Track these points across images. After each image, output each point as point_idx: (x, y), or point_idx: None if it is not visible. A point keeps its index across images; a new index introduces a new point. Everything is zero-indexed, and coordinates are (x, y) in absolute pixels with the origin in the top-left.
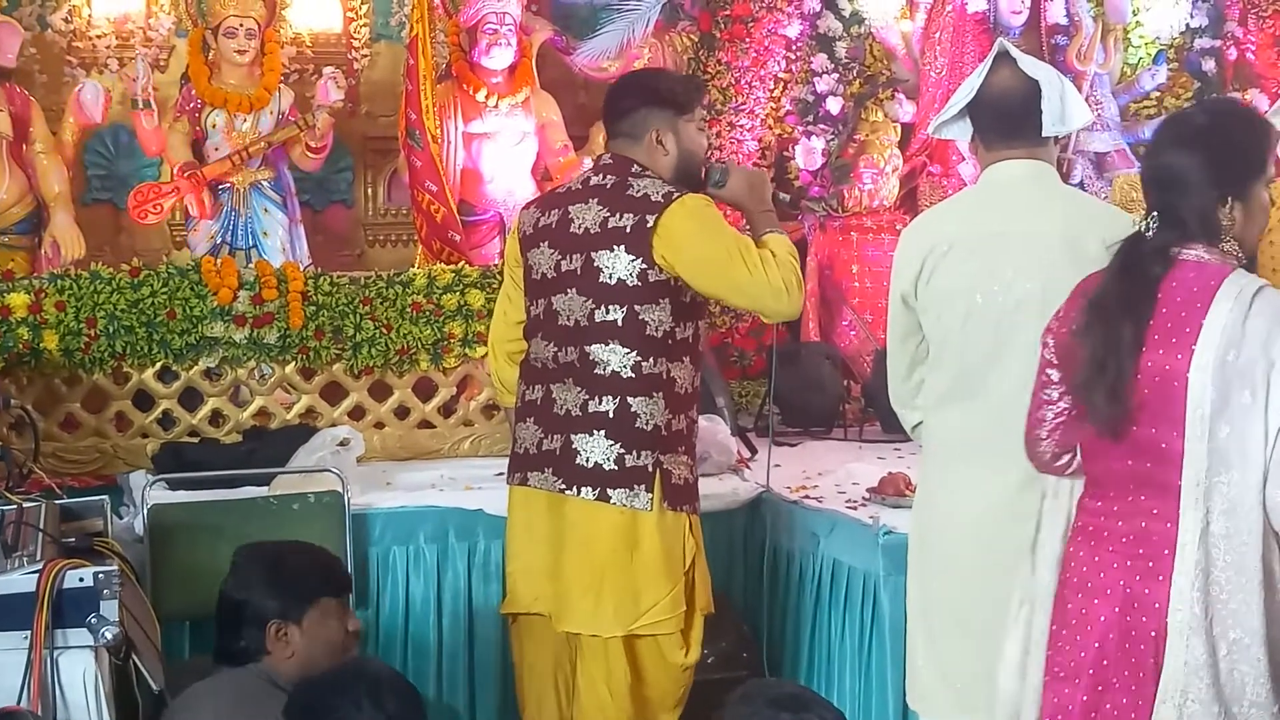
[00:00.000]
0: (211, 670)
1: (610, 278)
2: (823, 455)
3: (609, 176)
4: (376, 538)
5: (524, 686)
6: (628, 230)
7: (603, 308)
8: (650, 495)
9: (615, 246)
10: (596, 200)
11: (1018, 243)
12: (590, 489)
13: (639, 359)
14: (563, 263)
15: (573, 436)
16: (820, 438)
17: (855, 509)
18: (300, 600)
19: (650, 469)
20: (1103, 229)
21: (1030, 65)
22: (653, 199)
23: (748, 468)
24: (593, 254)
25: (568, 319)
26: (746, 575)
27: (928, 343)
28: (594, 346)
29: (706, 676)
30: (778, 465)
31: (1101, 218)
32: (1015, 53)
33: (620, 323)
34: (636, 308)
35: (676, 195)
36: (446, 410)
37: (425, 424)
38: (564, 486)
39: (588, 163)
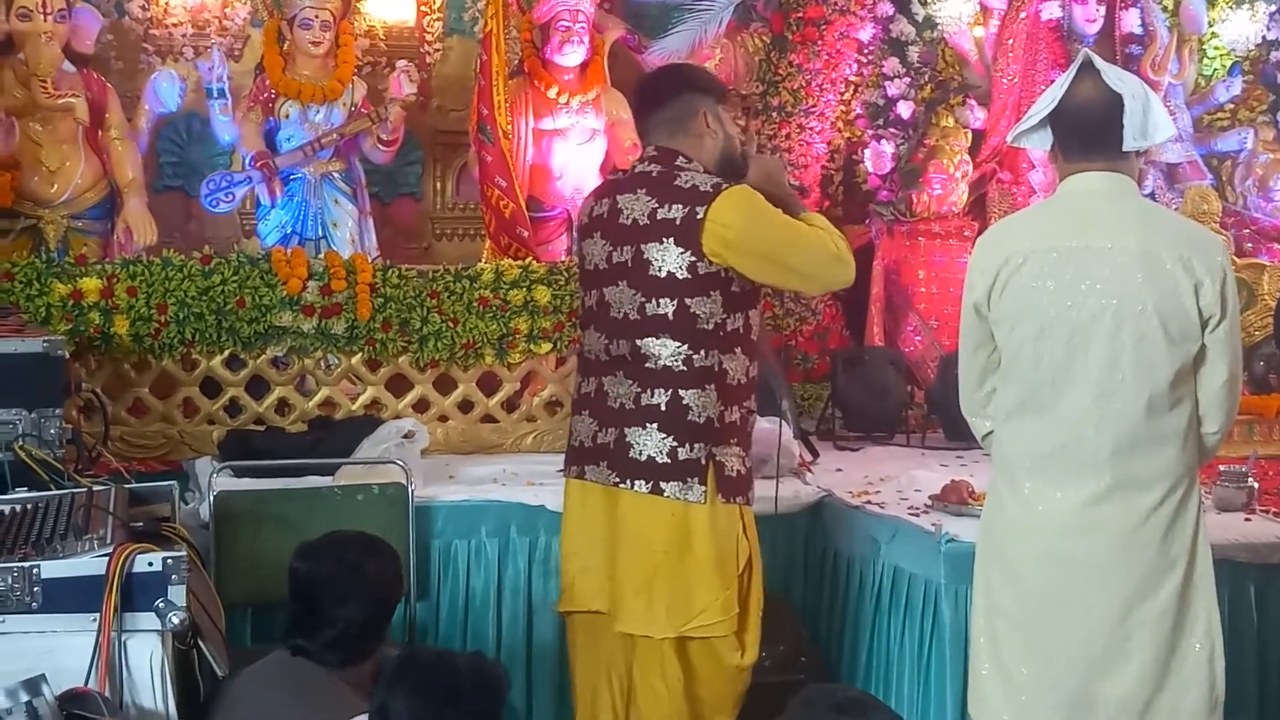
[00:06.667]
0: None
1: (660, 270)
2: (884, 461)
3: (655, 166)
4: (439, 530)
5: (578, 683)
6: (677, 222)
7: (653, 301)
8: (704, 488)
9: (665, 239)
10: (644, 190)
11: (1093, 258)
12: (644, 482)
13: (690, 351)
14: (614, 254)
15: (626, 430)
16: (882, 443)
17: (917, 516)
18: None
19: (703, 461)
20: (1180, 245)
21: (1115, 77)
22: (701, 189)
23: (810, 471)
24: (642, 246)
25: (618, 312)
26: (806, 580)
27: (999, 353)
28: (645, 340)
29: (764, 679)
30: (839, 470)
31: (1179, 233)
32: (1100, 63)
33: (671, 316)
34: (687, 301)
35: (725, 186)
36: (510, 405)
37: (488, 418)
38: (618, 480)
39: None
